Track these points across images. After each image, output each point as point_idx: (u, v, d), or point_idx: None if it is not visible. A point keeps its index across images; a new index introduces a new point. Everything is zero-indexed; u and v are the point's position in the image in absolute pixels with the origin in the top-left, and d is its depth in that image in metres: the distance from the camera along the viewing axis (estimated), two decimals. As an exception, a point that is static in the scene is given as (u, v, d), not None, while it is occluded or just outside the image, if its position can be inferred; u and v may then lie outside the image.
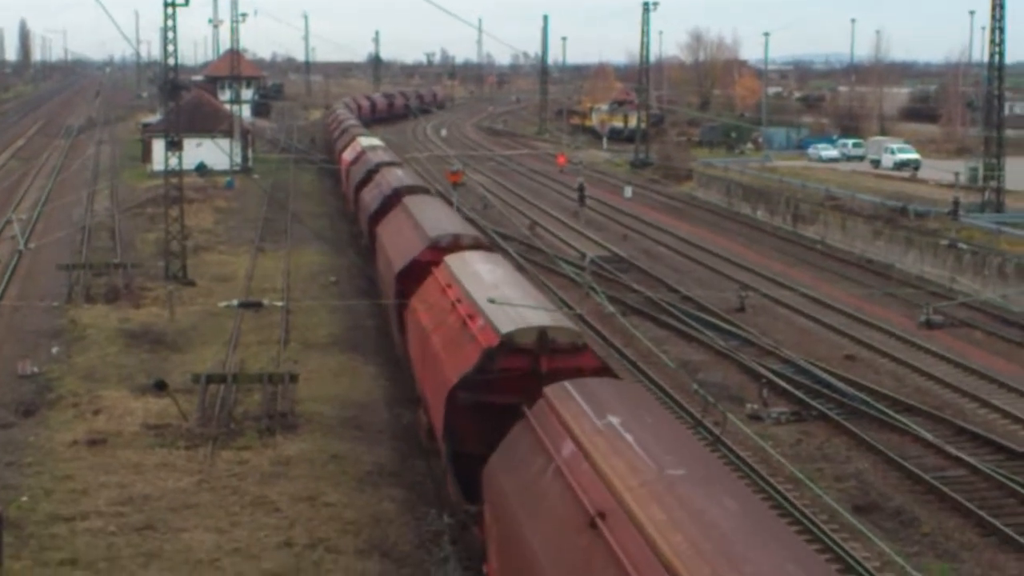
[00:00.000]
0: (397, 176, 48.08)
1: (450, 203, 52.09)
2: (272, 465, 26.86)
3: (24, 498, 24.73)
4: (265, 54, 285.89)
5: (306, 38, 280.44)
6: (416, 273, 30.68)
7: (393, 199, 41.98)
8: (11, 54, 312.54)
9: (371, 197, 47.03)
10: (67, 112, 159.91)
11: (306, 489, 25.46)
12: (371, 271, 43.03)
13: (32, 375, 33.77)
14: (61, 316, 40.56)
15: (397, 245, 34.84)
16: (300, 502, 24.76)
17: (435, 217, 35.93)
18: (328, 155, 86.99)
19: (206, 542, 22.78)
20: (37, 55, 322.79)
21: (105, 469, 26.53)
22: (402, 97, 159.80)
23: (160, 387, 31.01)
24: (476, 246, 31.34)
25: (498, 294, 23.43)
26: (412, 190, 42.87)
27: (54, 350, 36.57)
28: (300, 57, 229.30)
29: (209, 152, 77.81)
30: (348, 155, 66.03)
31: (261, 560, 22.07)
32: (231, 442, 28.25)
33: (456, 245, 30.84)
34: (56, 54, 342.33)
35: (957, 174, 63.94)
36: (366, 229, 43.52)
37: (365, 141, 67.74)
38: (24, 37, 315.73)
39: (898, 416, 31.17)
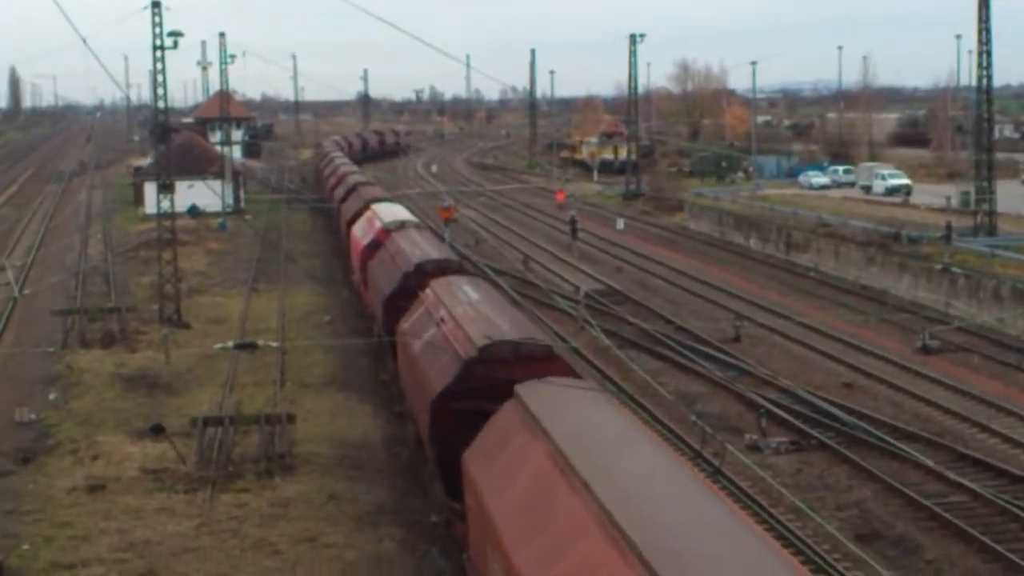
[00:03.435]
0: (391, 212, 48.57)
1: (442, 239, 52.26)
2: (271, 507, 26.78)
3: (25, 546, 24.63)
4: (254, 95, 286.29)
5: (295, 78, 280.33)
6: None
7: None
8: (1, 101, 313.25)
9: (349, 207, 50.42)
10: (58, 158, 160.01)
11: (306, 530, 25.38)
12: (364, 304, 44.02)
13: (29, 422, 33.69)
14: (57, 362, 40.49)
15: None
16: (301, 543, 24.68)
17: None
18: (320, 194, 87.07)
19: (208, 587, 22.67)
20: (27, 101, 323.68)
21: (105, 515, 26.44)
22: (359, 139, 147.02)
23: (158, 431, 30.91)
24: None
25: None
26: (402, 225, 43.49)
27: (51, 396, 36.48)
28: (289, 97, 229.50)
29: (201, 194, 77.77)
30: (340, 194, 66.95)
31: (263, 604, 21.96)
32: (230, 484, 28.17)
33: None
34: (46, 100, 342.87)
35: (949, 198, 64.05)
36: (358, 264, 44.53)
37: (363, 186, 67.00)
38: (14, 84, 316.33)
39: (898, 443, 31.12)
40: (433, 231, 52.75)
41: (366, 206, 51.67)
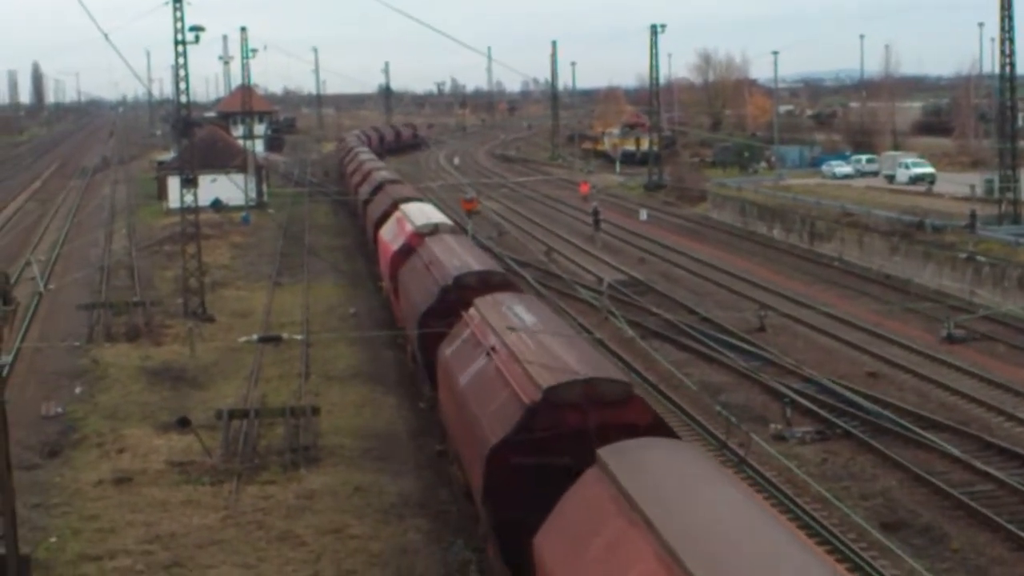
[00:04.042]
0: (422, 213, 44.88)
1: (464, 231, 51.76)
2: (297, 499, 26.88)
3: (52, 539, 24.78)
4: (276, 89, 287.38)
5: (316, 71, 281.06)
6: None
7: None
8: (25, 96, 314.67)
9: (375, 209, 48.29)
10: (82, 153, 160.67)
11: (331, 522, 25.46)
12: (395, 315, 41.38)
13: (56, 416, 33.86)
14: (83, 356, 40.68)
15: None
16: (326, 535, 24.76)
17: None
18: (343, 189, 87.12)
19: (234, 578, 22.78)
20: (51, 97, 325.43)
21: (131, 507, 26.59)
22: (376, 133, 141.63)
23: (183, 424, 31.09)
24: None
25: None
26: (435, 229, 40.02)
27: (77, 390, 36.67)
28: (311, 90, 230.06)
29: (224, 188, 78.06)
30: (365, 193, 63.54)
31: (289, 595, 22.06)
32: (255, 477, 28.29)
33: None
34: (69, 95, 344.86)
35: (973, 187, 63.79)
36: (387, 271, 41.14)
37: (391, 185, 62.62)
38: (37, 80, 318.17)
39: (923, 432, 31.02)
40: (470, 234, 49.92)
41: (394, 206, 48.97)
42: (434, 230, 39.87)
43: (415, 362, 33.05)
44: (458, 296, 28.53)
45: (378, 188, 60.10)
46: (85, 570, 23.26)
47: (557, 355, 20.93)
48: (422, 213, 45.03)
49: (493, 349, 22.59)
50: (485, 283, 29.73)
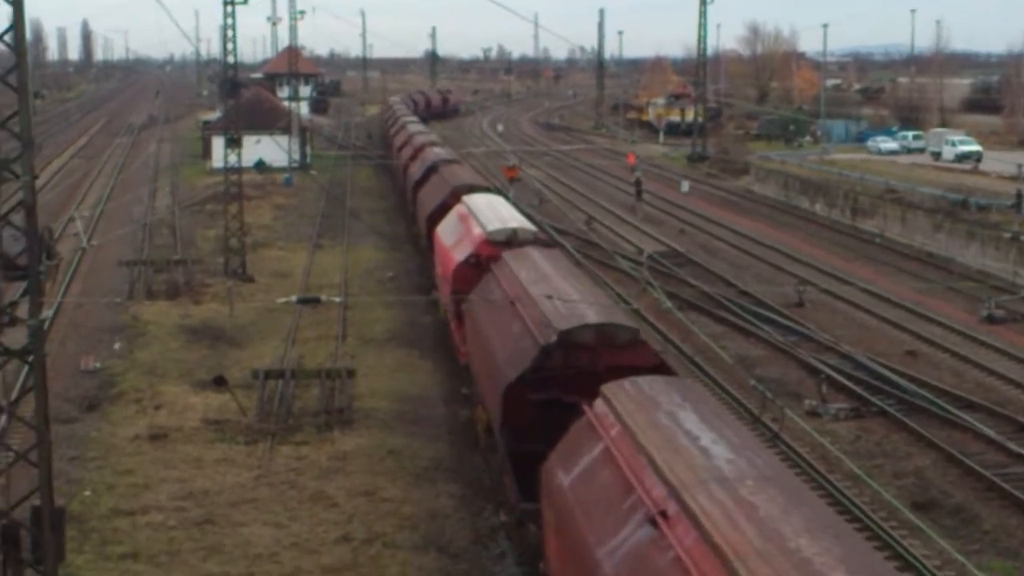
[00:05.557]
0: (493, 211, 35.38)
1: (507, 198, 51.30)
2: (330, 460, 27.06)
3: (87, 492, 25.07)
4: (323, 51, 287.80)
5: (363, 35, 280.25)
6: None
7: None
8: (74, 54, 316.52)
9: (428, 197, 44.04)
10: (128, 110, 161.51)
11: (363, 484, 25.62)
12: (429, 269, 41.47)
13: (95, 371, 34.20)
14: (123, 312, 41.00)
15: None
16: (358, 497, 24.93)
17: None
18: (386, 152, 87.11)
19: (265, 537, 22.99)
20: (99, 55, 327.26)
21: (166, 464, 26.85)
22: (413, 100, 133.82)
23: (220, 383, 31.33)
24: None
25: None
26: (514, 237, 31.16)
27: (116, 346, 37.00)
28: (358, 54, 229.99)
29: (268, 149, 78.33)
30: (416, 174, 53.38)
31: (319, 555, 22.25)
32: (289, 437, 28.50)
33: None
34: (118, 53, 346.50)
35: (1020, 166, 63.03)
36: (447, 284, 32.76)
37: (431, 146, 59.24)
38: (86, 37, 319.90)
39: (959, 412, 30.86)
40: (511, 201, 43.38)
41: (454, 197, 40.42)
42: (513, 239, 30.86)
43: (501, 471, 22.64)
44: (565, 359, 20.53)
45: (431, 170, 50.51)
46: (118, 524, 23.51)
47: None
48: (492, 210, 35.29)
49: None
50: (608, 342, 20.73)
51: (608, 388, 17.38)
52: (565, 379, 20.07)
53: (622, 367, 19.41)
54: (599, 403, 17.23)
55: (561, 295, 23.05)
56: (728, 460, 14.26)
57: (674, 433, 15.33)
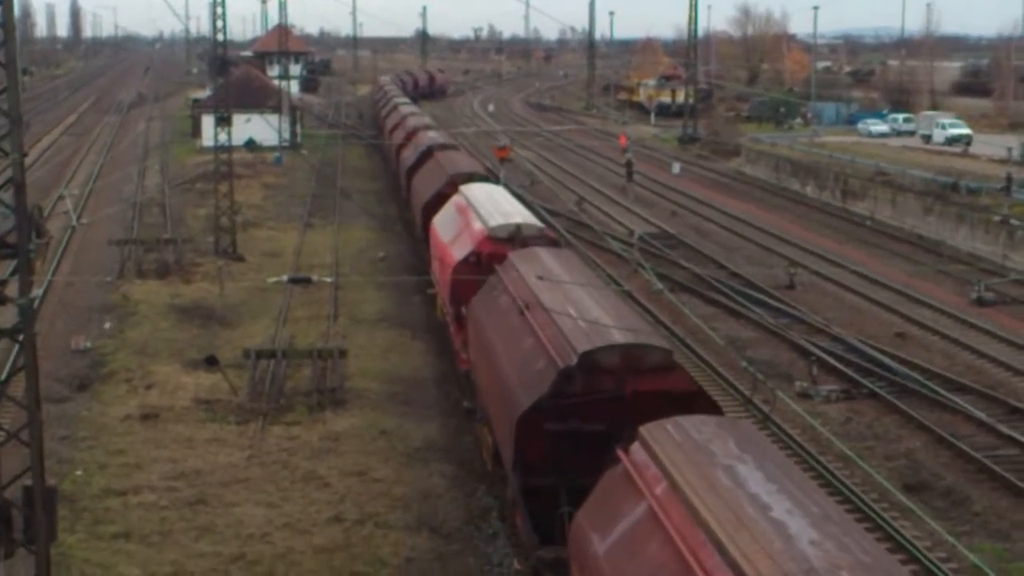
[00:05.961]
0: (494, 204, 32.95)
1: (497, 178, 51.16)
2: (322, 440, 27.06)
3: (79, 472, 25.04)
4: (313, 30, 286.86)
5: (353, 13, 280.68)
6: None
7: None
8: (63, 30, 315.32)
9: (423, 185, 41.65)
10: (118, 88, 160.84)
11: (355, 464, 25.62)
12: (424, 260, 40.23)
13: (85, 350, 34.13)
14: (113, 291, 40.91)
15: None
16: (350, 477, 24.93)
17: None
18: (377, 133, 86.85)
19: (257, 517, 22.99)
20: (88, 31, 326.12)
21: (157, 444, 26.83)
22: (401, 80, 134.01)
23: (211, 362, 31.32)
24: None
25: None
26: (517, 234, 29.14)
27: (107, 325, 36.93)
28: (348, 33, 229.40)
29: (258, 128, 78.09)
30: (409, 159, 51.44)
31: (311, 535, 22.25)
32: (281, 417, 28.49)
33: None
34: (106, 30, 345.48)
35: (1010, 149, 63.21)
36: (447, 288, 30.39)
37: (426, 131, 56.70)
38: (75, 14, 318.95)
39: (949, 395, 30.93)
40: (502, 182, 43.50)
41: (451, 186, 38.12)
42: (517, 237, 28.95)
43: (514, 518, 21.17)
44: (586, 383, 18.51)
45: (426, 155, 48.66)
46: (110, 504, 23.49)
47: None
48: (494, 203, 32.83)
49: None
50: (636, 365, 18.64)
51: (648, 431, 14.98)
52: (587, 407, 18.02)
53: (652, 393, 17.65)
54: (637, 449, 14.91)
55: (579, 307, 20.95)
56: (813, 543, 11.84)
57: (737, 499, 12.81)
